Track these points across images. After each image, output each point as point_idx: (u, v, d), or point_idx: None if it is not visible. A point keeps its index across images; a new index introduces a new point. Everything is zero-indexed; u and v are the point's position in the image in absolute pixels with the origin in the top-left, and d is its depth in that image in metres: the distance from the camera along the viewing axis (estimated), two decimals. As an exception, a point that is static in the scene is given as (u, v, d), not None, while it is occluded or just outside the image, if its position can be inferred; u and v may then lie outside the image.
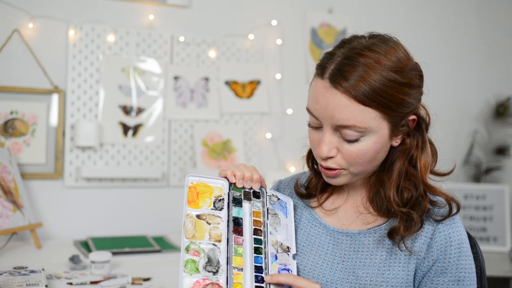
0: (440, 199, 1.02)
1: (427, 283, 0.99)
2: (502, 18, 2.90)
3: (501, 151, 2.81)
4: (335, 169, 1.00)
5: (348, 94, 0.92)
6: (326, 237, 1.07)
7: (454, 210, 1.00)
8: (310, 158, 1.15)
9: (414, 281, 0.99)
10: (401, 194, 1.00)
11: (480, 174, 2.83)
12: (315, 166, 1.14)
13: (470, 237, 1.16)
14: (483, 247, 2.33)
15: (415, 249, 0.99)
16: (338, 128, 0.95)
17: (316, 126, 0.99)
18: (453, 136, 2.92)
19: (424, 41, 2.84)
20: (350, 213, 1.08)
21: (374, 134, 0.95)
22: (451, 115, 2.92)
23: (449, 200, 1.00)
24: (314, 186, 1.14)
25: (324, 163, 0.99)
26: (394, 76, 0.92)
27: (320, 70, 0.97)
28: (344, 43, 0.99)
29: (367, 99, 0.91)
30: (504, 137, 2.81)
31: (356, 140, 0.95)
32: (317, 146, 1.00)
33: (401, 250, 0.99)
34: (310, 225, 1.11)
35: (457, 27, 2.98)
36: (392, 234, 0.99)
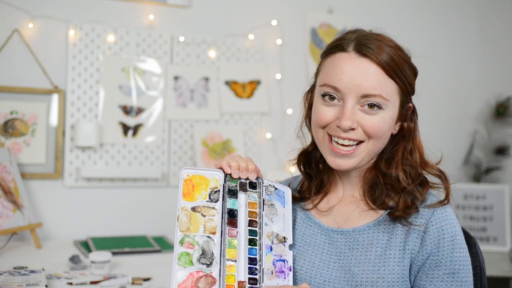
0: (437, 181, 1.07)
1: (422, 277, 0.99)
2: (502, 18, 2.90)
3: (501, 151, 2.81)
4: (351, 147, 1.01)
5: (377, 62, 0.98)
6: (322, 236, 1.08)
7: (447, 196, 1.04)
8: (301, 161, 1.16)
9: (409, 275, 1.00)
10: (406, 175, 1.04)
11: (480, 174, 2.83)
12: (307, 170, 1.16)
13: (470, 237, 1.16)
14: (483, 247, 2.32)
15: (409, 246, 1.00)
16: (361, 99, 0.99)
17: (334, 101, 1.01)
18: (453, 136, 2.91)
19: (424, 41, 2.84)
20: (344, 211, 1.09)
21: (390, 110, 1.01)
22: (451, 115, 2.92)
23: (441, 172, 1.07)
24: (307, 189, 1.15)
25: (344, 135, 1.00)
26: (401, 53, 1.01)
27: (339, 47, 1.02)
28: (350, 31, 1.05)
29: (391, 70, 0.98)
30: (504, 137, 2.81)
31: (375, 112, 0.99)
32: (330, 121, 1.02)
33: (403, 225, 1.01)
34: (305, 226, 1.11)
35: (457, 27, 2.98)
36: (392, 213, 1.02)
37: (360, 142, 1.02)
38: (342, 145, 1.01)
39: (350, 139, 1.01)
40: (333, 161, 1.03)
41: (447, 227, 1.00)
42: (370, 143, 1.01)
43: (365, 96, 0.98)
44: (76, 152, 2.23)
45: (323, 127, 1.03)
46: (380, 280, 0.99)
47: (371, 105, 0.99)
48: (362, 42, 0.99)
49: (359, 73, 0.98)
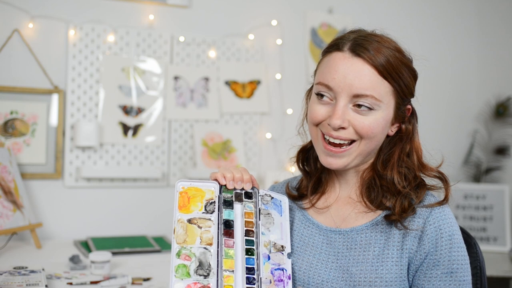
0: (435, 182, 1.06)
1: (420, 277, 0.99)
2: (502, 18, 2.90)
3: (501, 151, 2.81)
4: (343, 145, 1.02)
5: (370, 62, 0.98)
6: (320, 236, 1.08)
7: (446, 195, 1.04)
8: (300, 158, 1.16)
9: (408, 275, 1.00)
10: (401, 178, 1.04)
11: (480, 174, 2.83)
12: (305, 167, 1.16)
13: (470, 237, 1.16)
14: (483, 247, 2.32)
15: (407, 246, 1.00)
16: (353, 99, 0.99)
17: (327, 100, 1.02)
18: (453, 136, 2.91)
19: (424, 41, 2.84)
20: (342, 210, 1.10)
21: (383, 110, 1.00)
22: (451, 115, 2.92)
23: (441, 174, 1.06)
24: (305, 187, 1.15)
25: (335, 134, 1.01)
26: (401, 56, 1.01)
27: (335, 47, 1.03)
28: (351, 32, 1.06)
29: (385, 71, 0.98)
30: (504, 137, 2.81)
31: (368, 113, 0.99)
32: (322, 120, 1.02)
33: (399, 229, 1.01)
34: (303, 226, 1.11)
35: (457, 27, 2.98)
36: (389, 216, 1.02)
37: (352, 141, 1.02)
38: (334, 144, 1.02)
39: (341, 139, 1.01)
40: (325, 160, 1.04)
41: (445, 226, 1.00)
42: (362, 143, 1.02)
43: (357, 96, 0.98)
44: (76, 152, 2.23)
45: (317, 125, 1.04)
46: (378, 280, 0.99)
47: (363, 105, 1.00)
48: (358, 43, 1.00)
49: (352, 73, 0.98)
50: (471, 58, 3.00)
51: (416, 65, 1.06)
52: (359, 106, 0.99)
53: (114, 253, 1.88)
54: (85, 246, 2.02)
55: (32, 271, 1.57)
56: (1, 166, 1.96)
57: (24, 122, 2.16)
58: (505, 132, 2.81)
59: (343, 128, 1.00)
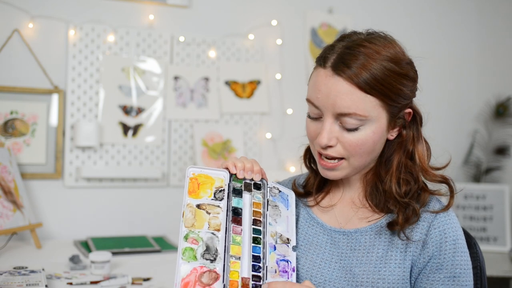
0: (439, 188, 1.04)
1: (423, 280, 0.99)
2: (502, 18, 2.90)
3: (501, 151, 2.81)
4: (334, 160, 1.01)
5: (350, 81, 0.95)
6: (324, 236, 1.08)
7: (451, 198, 1.02)
8: (307, 157, 1.17)
9: (410, 277, 1.00)
10: (401, 187, 1.02)
11: (480, 174, 2.83)
12: (313, 165, 1.16)
13: (470, 237, 1.16)
14: (483, 247, 2.33)
15: (410, 248, 1.00)
16: (338, 117, 0.97)
17: (316, 117, 1.01)
18: (453, 136, 2.92)
19: (424, 41, 2.84)
20: (346, 211, 1.10)
21: (373, 124, 0.98)
22: (451, 115, 2.92)
23: (445, 179, 1.03)
24: (312, 184, 1.15)
25: (324, 152, 1.01)
26: (393, 66, 0.96)
27: (321, 60, 1.00)
28: (344, 37, 1.02)
29: (368, 87, 0.94)
30: (504, 137, 2.81)
31: (355, 129, 0.97)
32: (316, 136, 1.01)
33: (402, 240, 1.00)
34: (308, 225, 1.12)
35: (457, 27, 2.98)
36: (391, 224, 1.01)
37: (342, 158, 1.01)
38: (326, 155, 1.02)
39: (331, 157, 1.01)
40: (323, 172, 1.05)
41: (449, 230, 1.00)
42: (351, 160, 1.01)
43: (341, 114, 0.97)
44: (76, 152, 2.23)
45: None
46: (381, 281, 0.99)
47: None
48: (343, 59, 0.96)
49: (333, 92, 0.96)
50: (471, 58, 3.00)
51: (415, 64, 1.05)
52: (345, 123, 0.97)
53: (114, 253, 1.88)
54: (85, 246, 2.02)
55: (32, 271, 1.57)
56: (1, 166, 1.96)
57: (24, 122, 2.16)
58: (505, 132, 2.81)
59: (330, 146, 0.99)
